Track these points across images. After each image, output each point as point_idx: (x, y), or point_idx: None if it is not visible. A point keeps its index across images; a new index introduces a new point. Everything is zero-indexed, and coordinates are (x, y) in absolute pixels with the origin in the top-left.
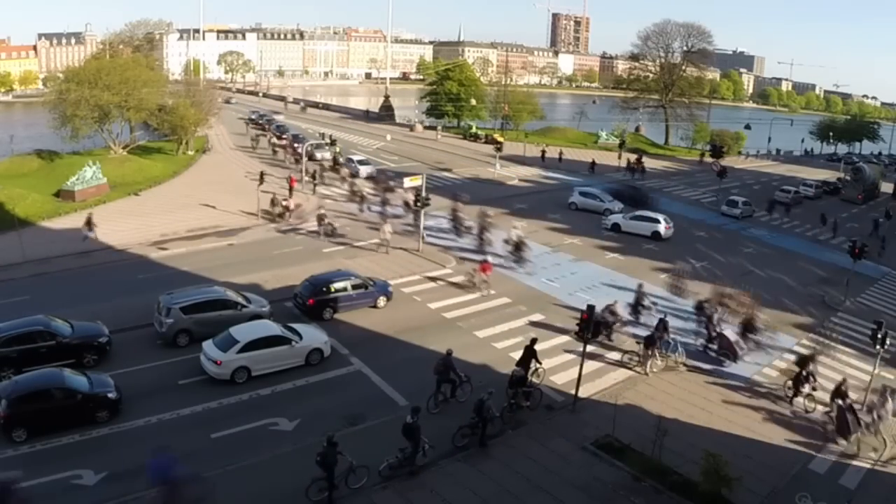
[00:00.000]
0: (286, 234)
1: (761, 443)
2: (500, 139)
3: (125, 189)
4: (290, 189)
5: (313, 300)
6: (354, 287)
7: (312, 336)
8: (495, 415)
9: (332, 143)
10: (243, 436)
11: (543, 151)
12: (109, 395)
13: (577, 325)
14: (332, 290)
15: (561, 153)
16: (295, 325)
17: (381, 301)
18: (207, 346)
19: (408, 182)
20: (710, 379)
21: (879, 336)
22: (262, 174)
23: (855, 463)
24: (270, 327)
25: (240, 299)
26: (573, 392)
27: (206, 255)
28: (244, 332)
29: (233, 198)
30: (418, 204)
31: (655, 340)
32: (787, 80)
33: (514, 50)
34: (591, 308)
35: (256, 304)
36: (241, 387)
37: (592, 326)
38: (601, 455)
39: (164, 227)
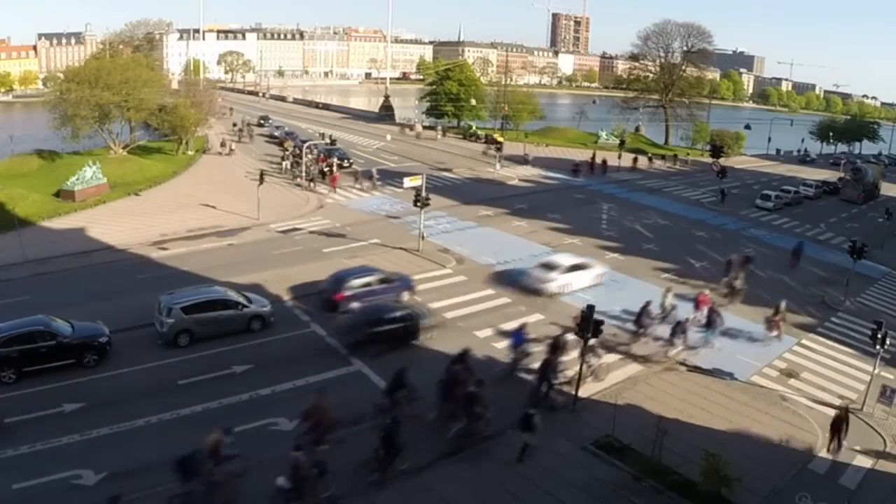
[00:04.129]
0: (286, 234)
1: (761, 443)
2: (501, 139)
3: (125, 189)
4: (334, 188)
5: (341, 295)
6: (380, 282)
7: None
8: (483, 412)
9: (333, 142)
10: (243, 436)
11: (526, 155)
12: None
13: (577, 324)
14: (359, 285)
15: (604, 161)
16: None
17: (406, 295)
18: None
19: (408, 182)
20: (710, 379)
21: (879, 336)
22: (262, 174)
23: (855, 463)
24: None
25: (240, 299)
26: (573, 392)
27: (206, 255)
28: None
29: (233, 198)
30: (418, 204)
31: (685, 328)
32: (787, 80)
33: (514, 50)
34: (590, 308)
35: (257, 304)
36: (241, 386)
37: (592, 326)
38: (601, 455)
39: (164, 227)
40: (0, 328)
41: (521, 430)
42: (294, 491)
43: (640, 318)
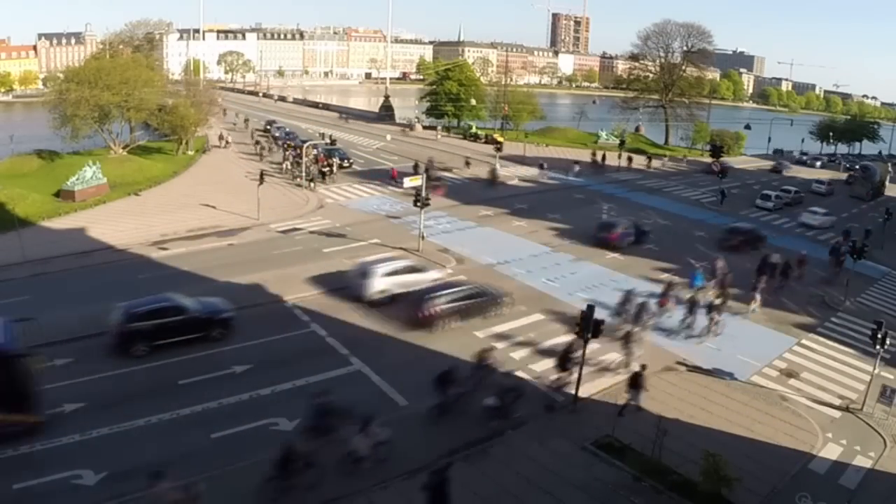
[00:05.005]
0: (286, 234)
1: (761, 443)
2: (501, 139)
3: (125, 189)
4: (394, 179)
5: (613, 235)
6: (630, 227)
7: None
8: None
9: (333, 142)
10: (243, 436)
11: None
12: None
13: (577, 324)
14: (621, 228)
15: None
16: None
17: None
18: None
19: (408, 182)
20: (710, 379)
21: (879, 336)
22: (262, 174)
23: (855, 463)
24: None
25: (426, 265)
26: (573, 392)
27: (206, 255)
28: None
29: (233, 198)
30: (418, 204)
31: (765, 276)
32: (787, 80)
33: (514, 50)
34: (590, 308)
35: (437, 270)
36: (241, 386)
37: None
38: (601, 455)
39: (164, 227)
40: (133, 304)
41: (629, 387)
42: (498, 409)
43: (763, 269)
